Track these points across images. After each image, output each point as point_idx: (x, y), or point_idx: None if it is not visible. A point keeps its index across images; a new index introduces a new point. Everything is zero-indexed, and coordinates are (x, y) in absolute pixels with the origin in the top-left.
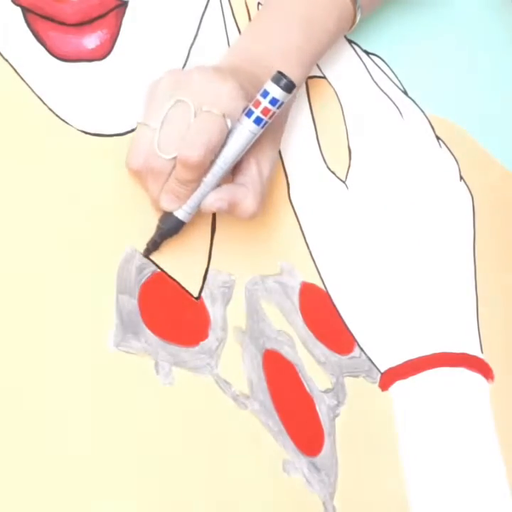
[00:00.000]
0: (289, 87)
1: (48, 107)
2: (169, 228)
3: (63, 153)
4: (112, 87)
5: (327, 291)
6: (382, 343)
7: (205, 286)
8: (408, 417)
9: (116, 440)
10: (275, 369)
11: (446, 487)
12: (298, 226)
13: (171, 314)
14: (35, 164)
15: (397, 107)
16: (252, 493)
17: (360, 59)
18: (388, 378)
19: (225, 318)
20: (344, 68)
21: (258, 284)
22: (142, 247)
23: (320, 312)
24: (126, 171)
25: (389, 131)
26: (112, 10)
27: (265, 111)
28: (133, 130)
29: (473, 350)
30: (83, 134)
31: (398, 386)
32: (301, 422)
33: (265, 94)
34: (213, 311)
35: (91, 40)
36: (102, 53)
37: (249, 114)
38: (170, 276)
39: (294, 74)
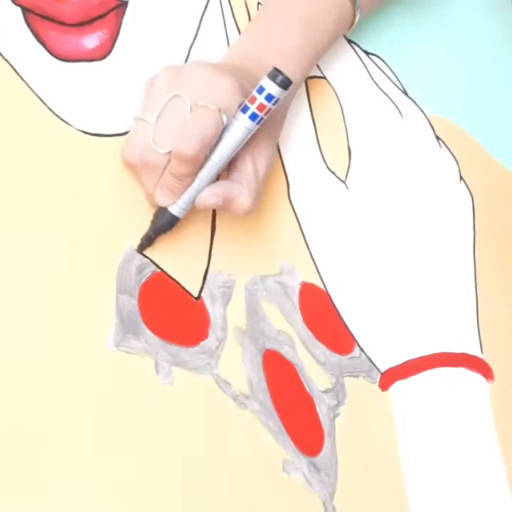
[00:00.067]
0: (285, 84)
1: (48, 107)
2: (163, 224)
3: (63, 153)
4: (111, 87)
5: (327, 291)
6: (382, 343)
7: (205, 286)
8: (408, 417)
9: (117, 440)
10: (275, 369)
11: (446, 487)
12: (298, 226)
13: (171, 314)
14: (35, 164)
15: (397, 107)
16: (252, 493)
17: (360, 59)
18: (388, 378)
19: (225, 318)
20: (344, 68)
21: (258, 284)
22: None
23: (320, 312)
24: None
25: (389, 131)
26: (112, 10)
27: (261, 107)
28: None
29: (473, 350)
30: (83, 134)
31: (398, 386)
32: (301, 422)
33: (261, 90)
34: (213, 311)
35: (91, 40)
36: (102, 53)
37: (244, 109)
38: (170, 276)
39: (293, 74)
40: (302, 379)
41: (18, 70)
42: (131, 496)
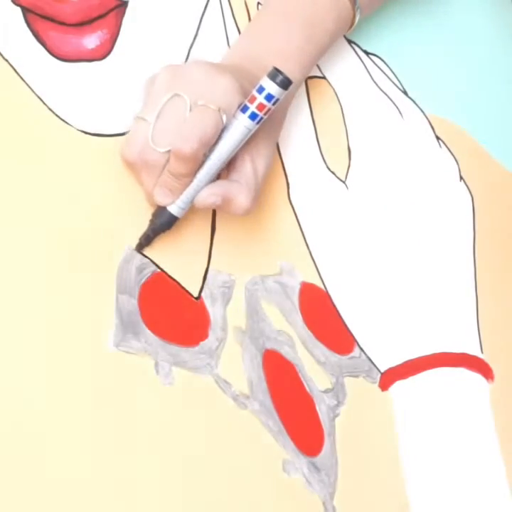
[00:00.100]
0: (285, 84)
1: (47, 107)
2: (162, 223)
3: (63, 153)
4: (111, 87)
5: (327, 291)
6: (382, 343)
7: (205, 286)
8: (408, 417)
9: (116, 440)
10: (275, 369)
11: (446, 487)
12: (298, 226)
13: (171, 314)
14: (35, 164)
15: (397, 107)
16: (252, 493)
17: (360, 59)
18: (388, 378)
19: (225, 318)
20: (344, 68)
21: (258, 284)
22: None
23: (320, 312)
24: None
25: (389, 131)
26: (112, 10)
27: (260, 106)
28: None
29: (473, 350)
30: (83, 134)
31: (398, 386)
32: (301, 422)
33: (261, 89)
34: (213, 311)
35: (91, 40)
36: (102, 53)
37: (244, 109)
38: (170, 276)
39: (293, 74)
40: (302, 379)
41: (18, 70)
42: (131, 495)
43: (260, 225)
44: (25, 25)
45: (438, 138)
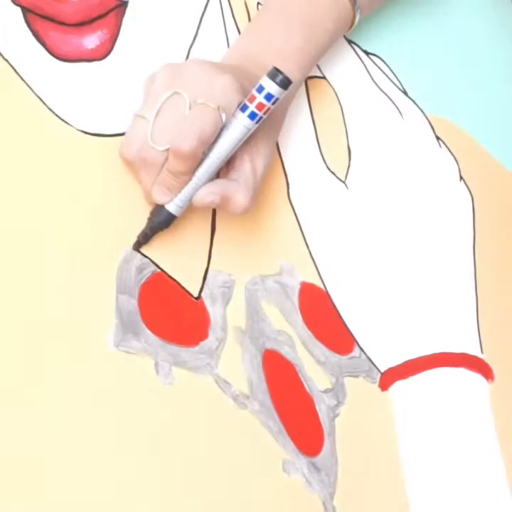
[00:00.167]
0: (285, 84)
1: (47, 107)
2: (160, 221)
3: (63, 153)
4: (111, 87)
5: (327, 291)
6: (382, 343)
7: (205, 286)
8: (408, 417)
9: (117, 440)
10: (275, 369)
11: (446, 487)
12: (298, 226)
13: (171, 314)
14: (35, 164)
15: (397, 107)
16: (252, 493)
17: (360, 59)
18: (388, 378)
19: (225, 318)
20: (344, 68)
21: (258, 284)
22: (143, 247)
23: (320, 312)
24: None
25: (389, 131)
26: (111, 10)
27: (260, 106)
28: None
29: (473, 350)
30: (83, 134)
31: (398, 386)
32: (301, 422)
33: (260, 89)
34: (213, 311)
35: (91, 40)
36: (102, 53)
37: (243, 108)
38: (170, 276)
39: (293, 74)
40: (302, 379)
41: (18, 70)
42: (131, 495)
43: (260, 224)
44: (25, 25)
45: (438, 138)
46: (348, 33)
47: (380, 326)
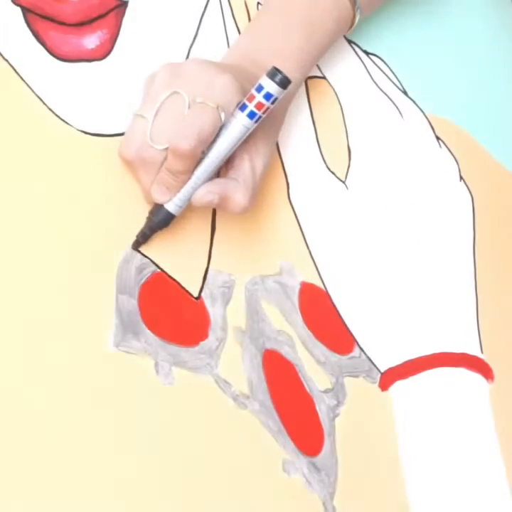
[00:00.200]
0: (284, 83)
1: (47, 107)
2: (159, 220)
3: (63, 153)
4: (111, 87)
5: (327, 291)
6: (382, 343)
7: (205, 286)
8: (408, 417)
9: (117, 440)
10: (275, 369)
11: (446, 487)
12: (298, 226)
13: (171, 314)
14: (34, 164)
15: (397, 107)
16: (252, 493)
17: (360, 59)
18: (388, 378)
19: (225, 318)
20: (344, 68)
21: (258, 284)
22: (143, 247)
23: (320, 312)
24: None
25: (389, 131)
26: (111, 10)
27: (259, 105)
28: None
29: (473, 350)
30: (83, 134)
31: (398, 386)
32: (301, 422)
33: (260, 88)
34: (213, 311)
35: (91, 40)
36: (102, 53)
37: (243, 108)
38: (170, 276)
39: (292, 74)
40: (302, 379)
41: (18, 70)
42: (131, 495)
43: (260, 225)
44: (25, 25)
45: (438, 138)
46: (348, 33)
47: (380, 326)
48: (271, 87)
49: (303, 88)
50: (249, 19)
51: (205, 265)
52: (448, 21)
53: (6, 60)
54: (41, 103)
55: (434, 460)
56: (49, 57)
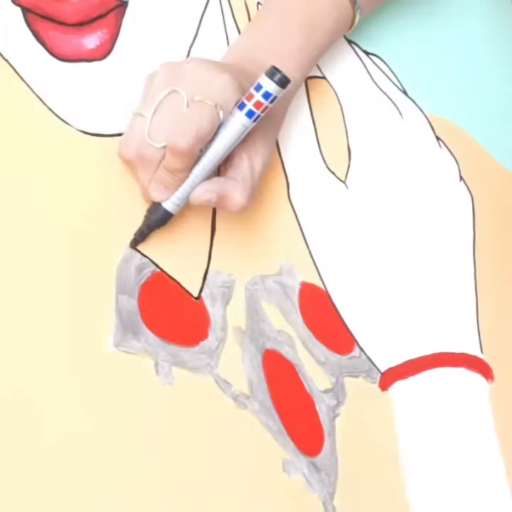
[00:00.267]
0: (283, 82)
1: (47, 107)
2: (157, 219)
3: (63, 153)
4: (111, 87)
5: (327, 291)
6: (382, 343)
7: (205, 286)
8: (408, 417)
9: (116, 440)
10: (275, 369)
11: (446, 487)
12: (298, 226)
13: (171, 314)
14: (34, 164)
15: (397, 107)
16: (252, 493)
17: (360, 59)
18: (388, 378)
19: (225, 318)
20: (344, 68)
21: (258, 284)
22: (143, 247)
23: (320, 312)
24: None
25: (389, 131)
26: (111, 10)
27: (258, 104)
28: None
29: (473, 350)
30: (83, 134)
31: (398, 386)
32: (301, 422)
33: (258, 87)
34: (213, 311)
35: (91, 40)
36: (102, 53)
37: (241, 106)
38: (170, 276)
39: (292, 73)
40: (302, 379)
41: (18, 70)
42: (131, 496)
43: (260, 224)
44: (25, 25)
45: (438, 138)
46: (348, 33)
47: (380, 326)
48: (270, 86)
49: (303, 88)
50: (249, 19)
51: (205, 265)
52: (448, 21)
53: (6, 60)
54: (41, 103)
55: (434, 460)
56: (49, 57)
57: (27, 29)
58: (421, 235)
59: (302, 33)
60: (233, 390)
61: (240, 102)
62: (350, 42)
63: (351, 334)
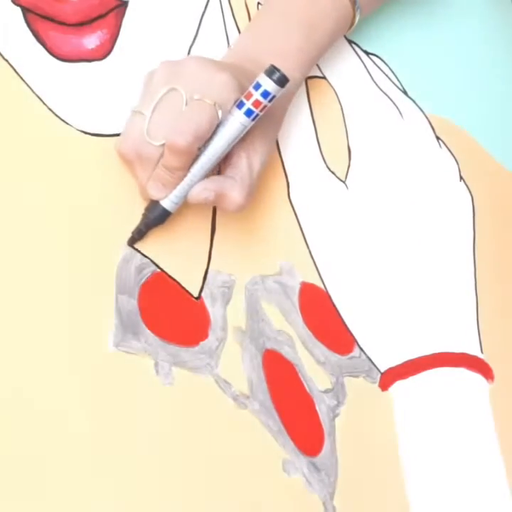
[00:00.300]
0: (282, 81)
1: (47, 107)
2: (155, 217)
3: (63, 153)
4: (111, 87)
5: (327, 291)
6: (382, 343)
7: (205, 286)
8: (408, 417)
9: (116, 440)
10: (275, 369)
11: (446, 487)
12: (298, 226)
13: (171, 314)
14: (34, 164)
15: (397, 107)
16: (252, 493)
17: (360, 59)
18: (388, 378)
19: (225, 318)
20: (344, 68)
21: (258, 284)
22: (143, 247)
23: (320, 312)
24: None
25: (389, 131)
26: (111, 10)
27: (256, 103)
28: None
29: (473, 350)
30: (83, 134)
31: (398, 386)
32: (301, 422)
33: (257, 86)
34: (213, 311)
35: (91, 40)
36: (102, 53)
37: (240, 105)
38: (170, 276)
39: (292, 73)
40: (302, 379)
41: (18, 70)
42: (131, 496)
43: (260, 224)
44: (25, 25)
45: (438, 138)
46: (348, 33)
47: (380, 326)
48: (268, 84)
49: (303, 88)
50: (249, 19)
51: (205, 265)
52: (448, 21)
53: (6, 60)
54: (41, 103)
55: (434, 460)
56: (49, 57)
57: (27, 29)
58: (421, 234)
59: (302, 33)
60: (233, 390)
61: (238, 101)
62: (350, 42)
63: (351, 334)
